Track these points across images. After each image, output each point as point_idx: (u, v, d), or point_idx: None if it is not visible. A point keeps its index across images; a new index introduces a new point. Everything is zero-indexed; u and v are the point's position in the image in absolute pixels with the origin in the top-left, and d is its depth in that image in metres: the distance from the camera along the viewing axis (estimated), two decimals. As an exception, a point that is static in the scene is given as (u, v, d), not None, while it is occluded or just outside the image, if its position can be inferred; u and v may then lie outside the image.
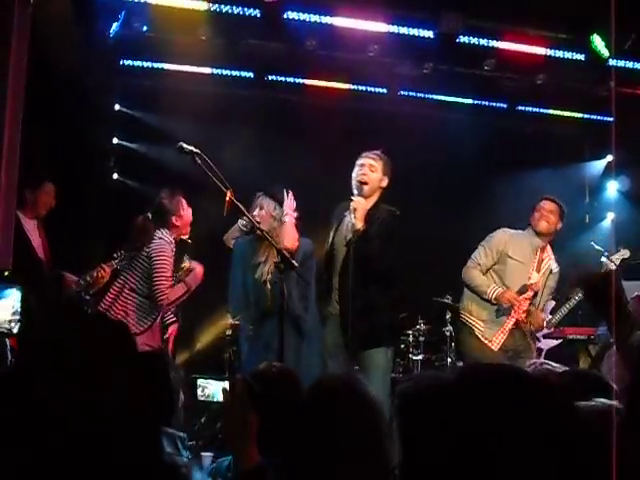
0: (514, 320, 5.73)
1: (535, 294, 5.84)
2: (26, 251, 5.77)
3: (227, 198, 4.59)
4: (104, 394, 1.36)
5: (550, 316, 6.89)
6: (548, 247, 5.93)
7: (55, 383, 1.37)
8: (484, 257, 5.81)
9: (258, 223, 5.00)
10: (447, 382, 1.25)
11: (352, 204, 5.11)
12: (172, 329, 5.95)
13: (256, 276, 5.40)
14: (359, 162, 5.35)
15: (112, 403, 1.35)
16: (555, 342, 6.96)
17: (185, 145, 4.52)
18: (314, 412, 2.00)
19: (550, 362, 2.75)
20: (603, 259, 6.65)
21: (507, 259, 5.77)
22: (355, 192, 5.24)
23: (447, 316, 7.28)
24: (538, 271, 5.84)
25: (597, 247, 7.10)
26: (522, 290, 5.73)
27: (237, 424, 2.28)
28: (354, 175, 5.30)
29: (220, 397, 2.55)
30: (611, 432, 1.19)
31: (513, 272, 5.76)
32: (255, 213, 5.31)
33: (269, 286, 5.35)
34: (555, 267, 5.93)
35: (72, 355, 1.41)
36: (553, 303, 6.84)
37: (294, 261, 4.59)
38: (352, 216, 5.10)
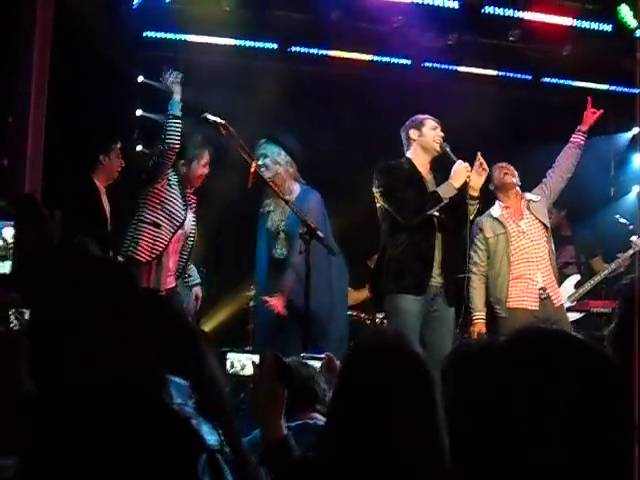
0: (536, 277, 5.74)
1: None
2: (102, 221, 5.93)
3: (252, 169, 4.60)
4: (105, 340, 1.35)
5: (574, 290, 6.88)
6: (518, 191, 6.00)
7: (55, 330, 1.36)
8: (477, 257, 5.86)
9: (276, 186, 5.05)
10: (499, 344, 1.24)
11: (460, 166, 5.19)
12: (196, 290, 5.97)
13: (267, 226, 5.39)
14: (435, 124, 5.42)
15: (114, 349, 1.34)
16: (578, 315, 6.93)
17: (210, 116, 4.53)
18: (354, 375, 1.98)
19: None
20: (634, 238, 6.60)
21: (487, 241, 5.82)
22: (440, 151, 5.37)
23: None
24: (521, 216, 5.88)
25: (622, 220, 7.06)
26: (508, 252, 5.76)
27: (266, 397, 2.30)
28: (435, 137, 5.38)
29: (248, 371, 2.55)
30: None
31: (499, 248, 5.81)
32: (260, 162, 5.28)
33: (283, 235, 5.35)
34: (535, 197, 5.96)
35: (72, 300, 1.41)
36: (578, 277, 6.81)
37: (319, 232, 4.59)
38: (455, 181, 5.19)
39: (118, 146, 6.28)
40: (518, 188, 6.00)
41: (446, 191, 5.15)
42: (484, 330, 5.71)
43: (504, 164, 6.01)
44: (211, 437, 1.19)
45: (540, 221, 5.86)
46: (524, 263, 5.77)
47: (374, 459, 1.79)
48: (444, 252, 5.26)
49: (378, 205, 5.34)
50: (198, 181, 5.60)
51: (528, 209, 5.90)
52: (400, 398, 1.86)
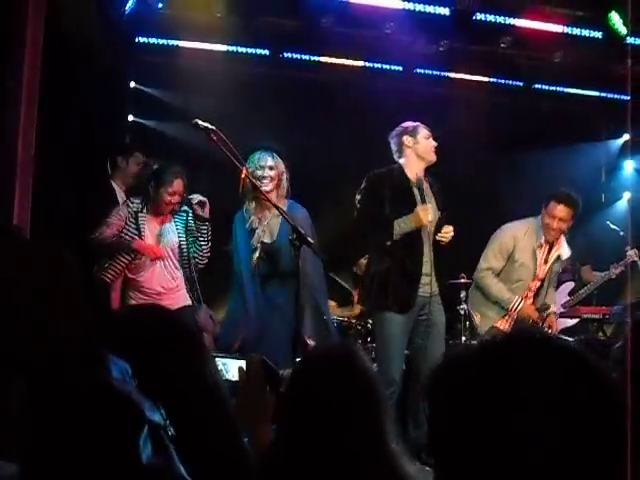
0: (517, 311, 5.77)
1: (542, 284, 5.86)
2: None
3: (242, 175, 4.60)
4: (39, 320, 1.34)
5: (568, 297, 6.90)
6: (562, 238, 5.90)
7: None
8: (494, 260, 5.82)
9: (268, 193, 5.03)
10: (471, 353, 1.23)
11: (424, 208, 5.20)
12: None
13: (251, 241, 5.34)
14: (428, 133, 5.42)
15: (49, 328, 1.33)
16: (571, 321, 6.94)
17: (200, 122, 4.52)
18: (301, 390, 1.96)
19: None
20: (628, 249, 6.60)
21: (513, 262, 5.79)
22: (431, 161, 5.39)
23: (461, 294, 7.25)
24: (546, 263, 5.84)
25: (613, 226, 7.08)
26: (544, 308, 5.73)
27: (253, 404, 2.27)
28: (430, 147, 5.38)
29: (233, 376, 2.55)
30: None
31: (519, 274, 5.78)
32: (265, 173, 5.27)
33: (261, 254, 5.30)
34: (566, 253, 5.91)
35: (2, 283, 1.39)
36: (572, 284, 6.84)
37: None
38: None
39: (140, 156, 6.33)
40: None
41: (404, 228, 5.15)
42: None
43: (562, 213, 5.74)
44: (153, 414, 1.18)
45: (548, 277, 5.86)
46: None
47: (319, 473, 1.78)
48: (436, 259, 5.26)
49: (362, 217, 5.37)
50: (164, 208, 5.58)
51: (552, 262, 5.87)
52: (346, 413, 1.84)
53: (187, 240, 5.64)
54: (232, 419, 1.97)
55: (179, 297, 5.64)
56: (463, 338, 7.13)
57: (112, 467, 1.08)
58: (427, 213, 5.13)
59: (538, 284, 5.84)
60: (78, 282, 1.45)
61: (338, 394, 1.86)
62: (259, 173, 5.23)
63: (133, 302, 5.56)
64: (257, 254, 5.21)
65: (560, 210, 5.73)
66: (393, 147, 5.47)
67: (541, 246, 5.79)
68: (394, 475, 1.77)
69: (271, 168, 5.28)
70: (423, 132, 5.42)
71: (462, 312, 7.17)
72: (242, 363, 2.45)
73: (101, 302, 5.40)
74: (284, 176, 5.32)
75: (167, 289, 5.63)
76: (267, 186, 5.19)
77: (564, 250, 5.91)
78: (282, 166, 5.32)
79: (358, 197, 5.34)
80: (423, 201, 5.26)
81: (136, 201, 5.64)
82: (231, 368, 2.73)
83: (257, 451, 2.18)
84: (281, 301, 5.14)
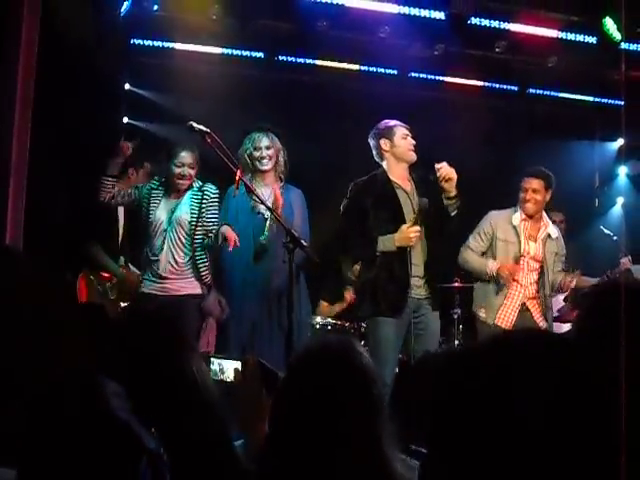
0: (519, 296, 5.74)
1: (542, 267, 5.83)
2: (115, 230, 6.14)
3: (236, 177, 4.60)
4: (39, 349, 1.34)
5: (563, 303, 6.90)
6: (543, 215, 5.93)
7: None
8: (473, 242, 5.85)
9: (267, 172, 5.22)
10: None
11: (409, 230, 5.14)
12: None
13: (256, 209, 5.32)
14: (405, 131, 5.33)
15: (49, 358, 1.33)
16: (566, 326, 6.93)
17: (195, 124, 4.53)
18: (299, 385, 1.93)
19: None
20: (623, 258, 6.61)
21: (497, 241, 5.80)
22: (411, 161, 5.32)
23: (455, 298, 7.27)
24: (535, 241, 5.84)
25: (606, 231, 7.09)
26: (516, 260, 5.74)
27: (248, 405, 2.26)
28: (408, 146, 5.31)
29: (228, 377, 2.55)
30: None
31: (502, 253, 5.79)
32: (263, 154, 5.30)
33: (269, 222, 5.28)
34: (554, 232, 5.93)
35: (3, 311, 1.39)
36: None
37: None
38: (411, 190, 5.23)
39: (149, 167, 6.42)
40: (544, 213, 5.99)
41: (388, 247, 5.11)
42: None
43: (534, 184, 5.84)
44: (150, 441, 1.19)
45: (543, 259, 5.85)
46: (515, 283, 5.78)
47: (314, 471, 1.77)
48: (427, 260, 5.25)
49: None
50: (176, 182, 5.63)
51: (543, 240, 5.87)
52: (342, 410, 1.82)
53: (197, 219, 5.62)
54: (219, 421, 1.96)
55: (185, 283, 5.61)
56: (456, 342, 7.16)
57: None
58: (414, 235, 5.10)
59: (537, 265, 5.82)
60: (75, 310, 1.46)
61: (335, 388, 1.84)
62: (257, 154, 5.30)
63: (144, 290, 5.61)
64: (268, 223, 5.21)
65: (530, 182, 5.85)
66: (373, 151, 5.43)
67: (523, 221, 5.83)
68: (386, 472, 1.77)
69: (268, 147, 5.35)
70: (399, 132, 5.35)
71: (456, 316, 7.20)
72: (238, 364, 2.44)
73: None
74: (281, 154, 5.36)
75: (172, 273, 5.60)
76: (266, 165, 5.28)
77: (551, 229, 5.94)
78: (279, 144, 5.37)
79: (342, 207, 5.31)
80: (406, 212, 5.25)
81: (153, 181, 5.78)
82: (227, 369, 2.73)
83: (253, 452, 2.17)
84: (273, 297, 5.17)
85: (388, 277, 5.12)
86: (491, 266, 5.71)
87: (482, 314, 5.82)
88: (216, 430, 1.92)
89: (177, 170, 5.57)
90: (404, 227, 5.09)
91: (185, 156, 5.58)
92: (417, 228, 5.09)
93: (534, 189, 5.84)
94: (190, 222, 5.56)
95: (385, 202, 5.19)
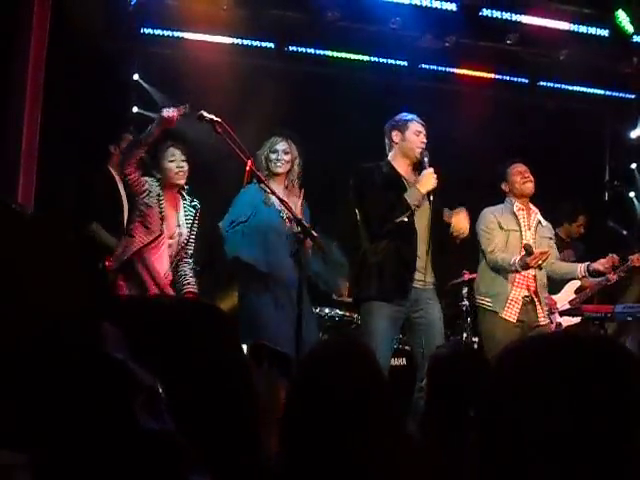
0: (524, 289, 5.71)
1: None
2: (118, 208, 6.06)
3: (247, 167, 4.59)
4: (34, 291, 1.34)
5: (574, 295, 6.88)
6: (530, 204, 5.91)
7: None
8: (495, 238, 5.77)
9: (280, 175, 5.17)
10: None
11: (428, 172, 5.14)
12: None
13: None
14: (419, 128, 5.30)
15: (45, 298, 1.33)
16: (574, 320, 6.91)
17: (206, 113, 4.51)
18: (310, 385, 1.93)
19: None
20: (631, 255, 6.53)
21: (504, 230, 5.77)
22: (419, 158, 5.25)
23: (464, 291, 7.25)
24: (529, 229, 5.83)
25: (615, 226, 7.07)
26: (528, 250, 5.67)
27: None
28: (417, 142, 5.26)
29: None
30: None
31: (512, 242, 5.76)
32: (279, 157, 5.29)
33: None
34: (543, 219, 5.92)
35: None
36: (578, 283, 6.80)
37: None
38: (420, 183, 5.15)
39: (130, 136, 6.28)
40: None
41: (413, 197, 5.06)
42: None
43: (523, 168, 5.85)
44: (147, 379, 1.18)
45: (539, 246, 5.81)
46: (517, 274, 5.75)
47: (328, 467, 1.77)
48: (430, 250, 5.21)
49: (357, 209, 5.30)
50: (174, 178, 5.44)
51: (535, 227, 5.85)
52: (364, 403, 1.83)
53: (189, 237, 5.57)
54: (249, 414, 1.95)
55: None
56: (464, 335, 7.16)
57: (111, 433, 1.08)
58: (432, 176, 5.09)
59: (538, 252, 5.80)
60: (72, 248, 1.44)
61: (353, 385, 1.85)
62: (273, 156, 5.28)
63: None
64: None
65: (518, 166, 5.85)
66: (385, 139, 5.38)
67: (520, 210, 5.81)
68: (412, 455, 1.77)
69: (285, 152, 5.31)
70: (413, 127, 5.28)
71: (464, 308, 7.19)
72: (244, 347, 2.44)
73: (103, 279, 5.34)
74: (296, 161, 5.34)
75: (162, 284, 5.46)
76: (280, 168, 5.25)
77: (539, 216, 5.93)
78: (295, 152, 5.34)
79: (352, 192, 5.28)
80: None
81: (154, 183, 5.53)
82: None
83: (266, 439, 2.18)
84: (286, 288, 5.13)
85: (397, 260, 5.07)
86: (513, 262, 5.64)
87: (489, 303, 5.78)
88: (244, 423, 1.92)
89: (171, 165, 5.29)
90: (425, 171, 5.11)
91: (172, 152, 5.35)
92: (432, 170, 5.11)
93: (524, 171, 5.85)
94: (187, 239, 5.54)
95: (390, 185, 5.16)
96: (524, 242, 5.65)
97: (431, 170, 5.10)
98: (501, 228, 5.77)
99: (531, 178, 5.82)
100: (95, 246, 5.77)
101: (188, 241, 5.52)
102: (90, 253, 5.40)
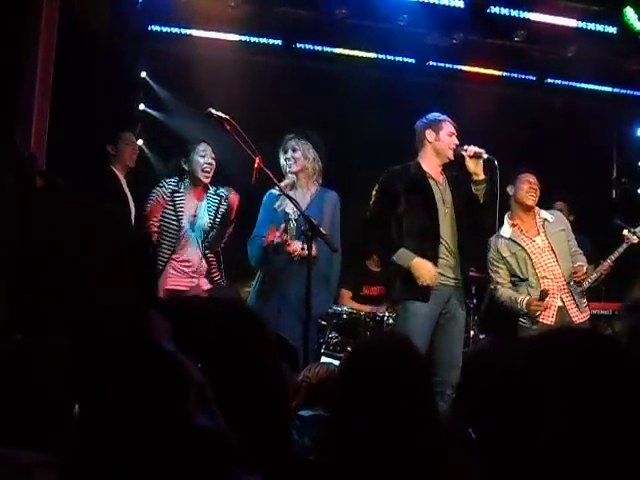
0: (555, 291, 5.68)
1: (554, 254, 5.76)
2: (124, 207, 6.09)
3: (255, 165, 4.59)
4: (88, 277, 1.34)
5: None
6: (535, 209, 5.87)
7: (39, 267, 1.35)
8: (497, 276, 5.76)
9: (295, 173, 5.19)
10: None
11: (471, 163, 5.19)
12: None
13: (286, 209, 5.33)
14: (452, 130, 5.31)
15: (96, 286, 1.33)
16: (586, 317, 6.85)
17: (214, 111, 4.52)
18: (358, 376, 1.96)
19: None
20: (625, 232, 6.49)
21: (507, 256, 5.74)
22: (448, 159, 5.28)
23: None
24: (537, 234, 5.79)
25: (622, 224, 7.03)
26: (542, 296, 5.63)
27: None
28: (450, 145, 5.27)
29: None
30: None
31: (521, 258, 5.73)
32: (288, 155, 5.32)
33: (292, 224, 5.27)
34: (548, 215, 5.87)
35: (56, 237, 1.39)
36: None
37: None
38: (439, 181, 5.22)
39: (126, 135, 6.34)
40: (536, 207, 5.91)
41: (402, 260, 5.07)
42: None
43: (533, 179, 5.78)
44: (197, 374, 1.17)
45: (551, 241, 5.78)
46: (544, 279, 5.71)
47: (375, 461, 1.78)
48: (460, 248, 5.23)
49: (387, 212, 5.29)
50: (201, 173, 5.66)
51: (543, 227, 5.82)
52: (402, 402, 1.86)
53: (213, 224, 5.69)
54: (284, 413, 1.96)
55: (204, 280, 5.73)
56: (472, 332, 7.15)
57: (166, 428, 1.06)
58: (430, 274, 5.03)
59: (552, 255, 5.75)
60: (125, 238, 1.45)
61: (399, 372, 1.89)
62: (284, 156, 5.33)
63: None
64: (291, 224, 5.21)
65: (529, 176, 5.78)
66: (417, 137, 5.37)
67: (513, 227, 5.78)
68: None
69: (294, 150, 5.34)
70: (447, 128, 5.30)
71: (471, 306, 7.17)
72: None
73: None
74: (310, 159, 5.35)
75: (200, 273, 5.70)
76: (290, 167, 5.29)
77: (544, 213, 5.89)
78: (309, 150, 5.35)
79: (374, 192, 5.29)
80: (437, 199, 5.22)
81: (171, 181, 5.71)
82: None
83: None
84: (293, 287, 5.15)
85: (420, 254, 5.06)
86: (521, 301, 5.63)
87: (525, 322, 5.72)
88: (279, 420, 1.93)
89: (201, 160, 5.61)
90: (429, 265, 5.06)
91: (204, 146, 5.64)
92: (433, 269, 5.06)
93: (533, 180, 5.79)
94: (210, 226, 5.69)
95: (416, 188, 5.16)
96: (541, 289, 5.62)
97: (435, 273, 5.06)
98: (504, 258, 5.75)
99: (536, 192, 5.76)
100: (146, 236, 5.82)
101: (211, 228, 5.63)
102: (141, 241, 5.42)
